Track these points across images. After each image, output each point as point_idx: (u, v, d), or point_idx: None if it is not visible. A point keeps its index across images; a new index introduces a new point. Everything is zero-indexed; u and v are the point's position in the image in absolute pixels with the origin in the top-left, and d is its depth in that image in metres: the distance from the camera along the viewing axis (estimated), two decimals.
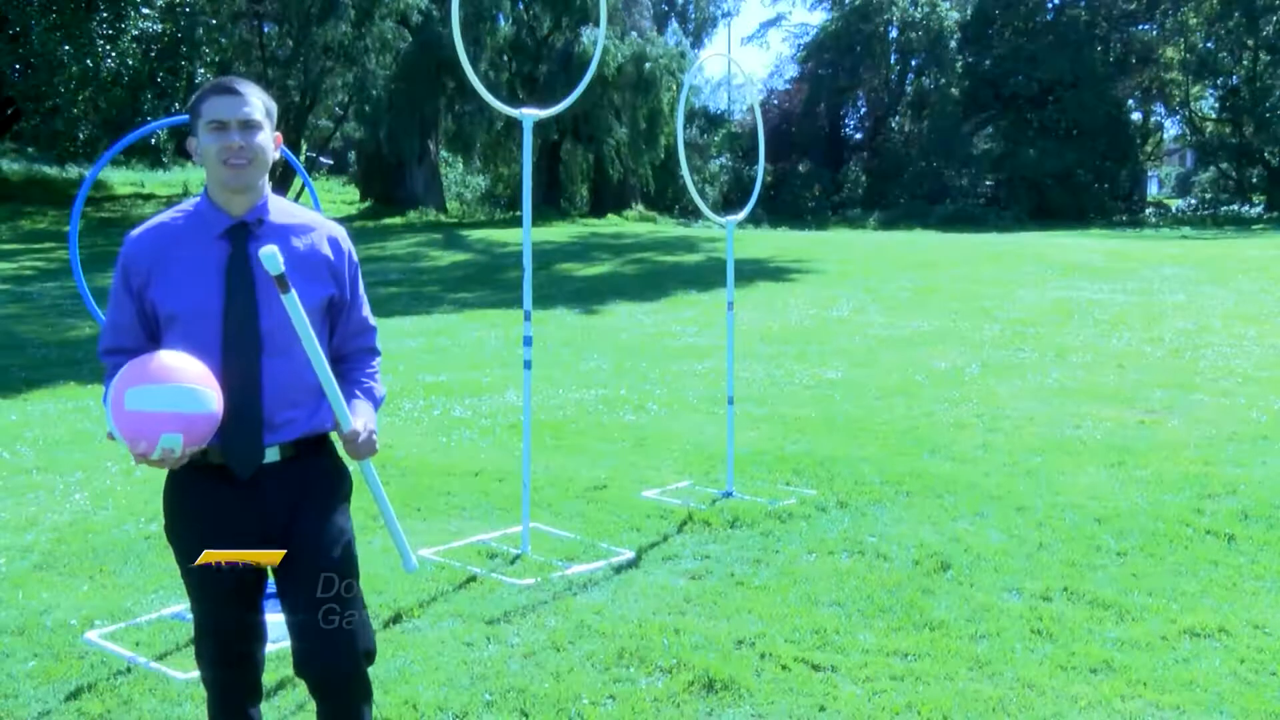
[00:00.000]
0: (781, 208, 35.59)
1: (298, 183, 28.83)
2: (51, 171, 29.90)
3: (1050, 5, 39.95)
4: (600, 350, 10.59)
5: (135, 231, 2.50)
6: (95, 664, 3.70)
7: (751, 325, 12.13)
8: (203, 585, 2.54)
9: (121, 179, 30.98)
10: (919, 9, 40.25)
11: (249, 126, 2.41)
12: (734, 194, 36.06)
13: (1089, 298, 14.03)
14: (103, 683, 3.56)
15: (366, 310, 2.64)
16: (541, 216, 27.95)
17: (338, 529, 2.53)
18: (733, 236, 5.87)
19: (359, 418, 2.48)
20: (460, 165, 34.32)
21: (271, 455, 2.44)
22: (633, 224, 30.85)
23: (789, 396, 8.33)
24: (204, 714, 3.37)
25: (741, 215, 5.91)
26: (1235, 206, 37.47)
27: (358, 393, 2.57)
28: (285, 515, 2.47)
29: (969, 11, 40.55)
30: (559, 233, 25.56)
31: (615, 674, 3.60)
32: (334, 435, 2.57)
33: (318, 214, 2.60)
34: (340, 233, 2.58)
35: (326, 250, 2.52)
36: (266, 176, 2.48)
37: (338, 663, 2.49)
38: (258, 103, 2.44)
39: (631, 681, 3.55)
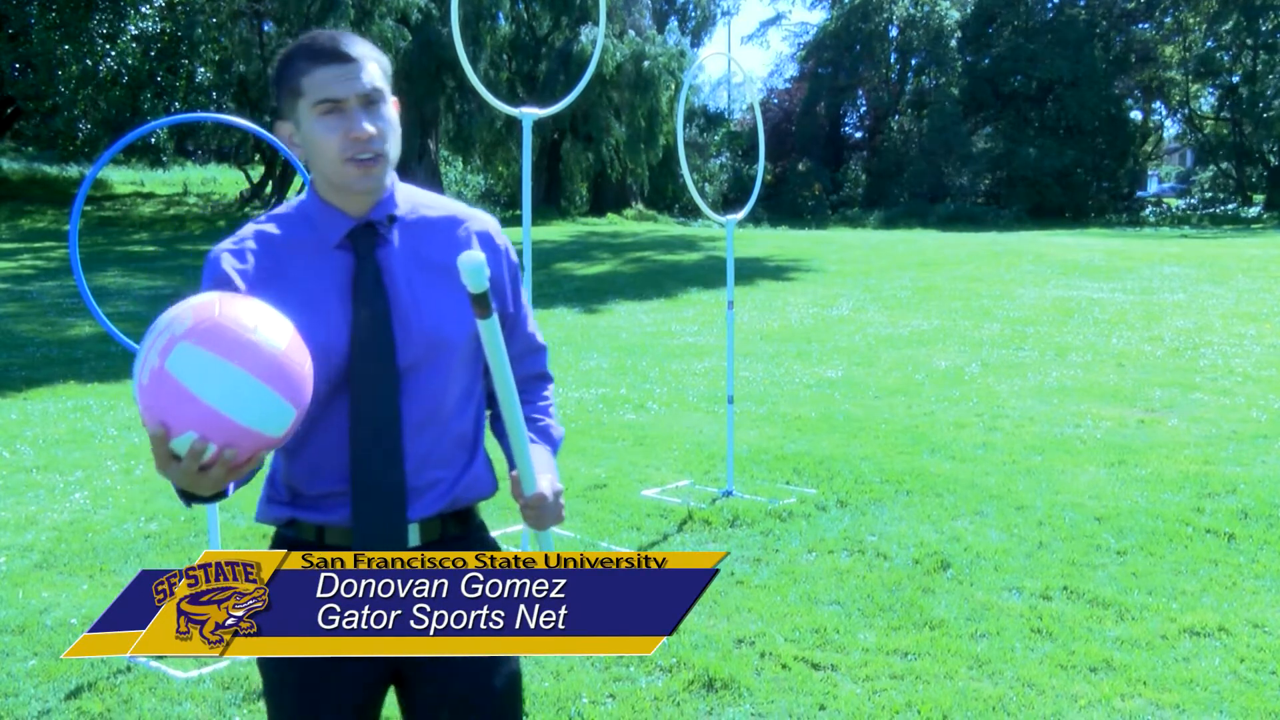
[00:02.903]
0: (781, 207, 35.61)
1: (298, 181, 28.86)
2: (51, 170, 29.92)
3: (1050, 4, 39.97)
4: (600, 349, 10.60)
5: (222, 246, 1.83)
6: (95, 663, 3.70)
7: (751, 324, 12.13)
8: (300, 711, 1.85)
9: (121, 178, 31.01)
10: (919, 8, 40.26)
11: (374, 102, 1.75)
12: (734, 193, 36.09)
13: (1089, 297, 14.03)
14: (103, 682, 3.56)
15: (533, 325, 2.00)
16: (541, 215, 27.97)
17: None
18: (733, 235, 5.87)
19: (543, 475, 1.82)
20: (460, 164, 34.33)
21: (411, 538, 1.81)
22: (632, 223, 30.86)
23: (789, 396, 8.33)
24: (204, 713, 3.38)
25: (741, 214, 5.91)
26: (1235, 205, 37.50)
27: (532, 436, 1.91)
28: None
29: (969, 10, 40.56)
30: (559, 232, 25.57)
31: (615, 673, 3.60)
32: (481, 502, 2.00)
33: (456, 201, 1.93)
34: (493, 226, 1.92)
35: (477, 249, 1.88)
36: None
37: None
38: (374, 66, 1.77)
39: (631, 681, 3.56)
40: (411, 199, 1.87)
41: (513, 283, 1.93)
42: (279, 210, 1.86)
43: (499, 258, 1.89)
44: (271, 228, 1.83)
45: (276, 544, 1.88)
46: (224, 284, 1.76)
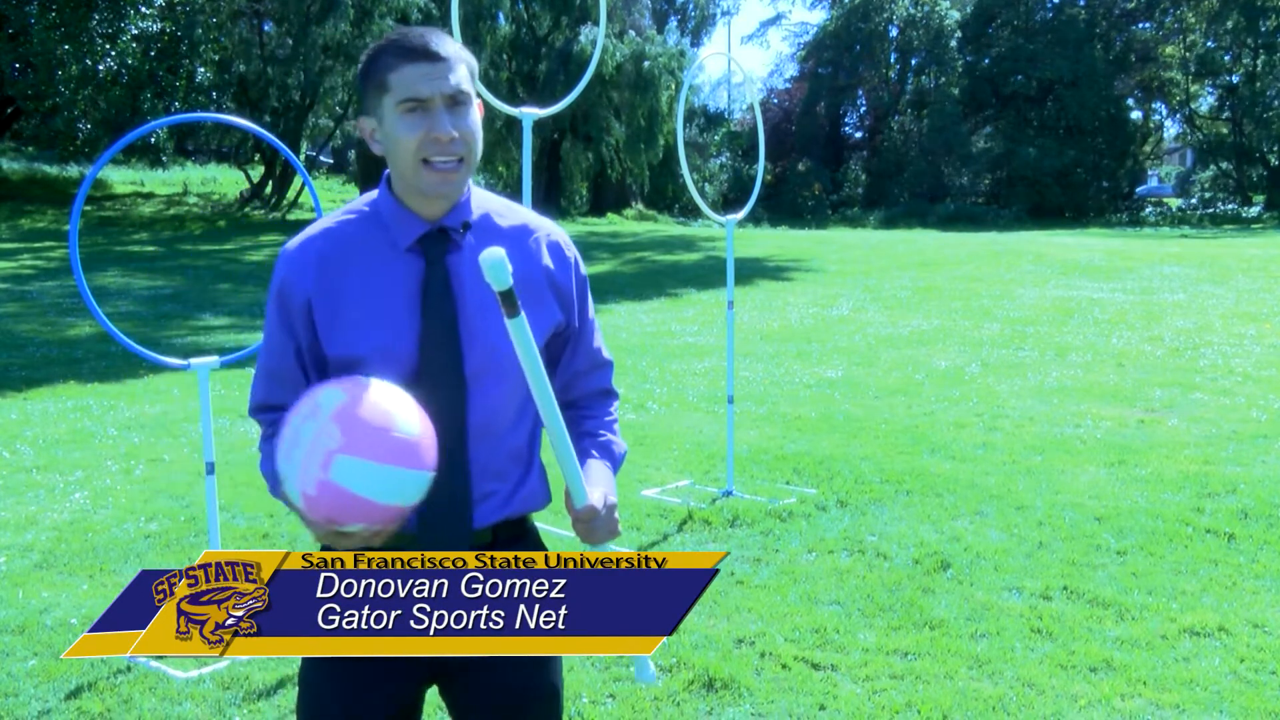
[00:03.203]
0: (781, 207, 35.64)
1: (297, 181, 28.85)
2: (51, 170, 29.92)
3: (1050, 4, 39.99)
4: None
5: (293, 243, 1.82)
6: (95, 663, 3.70)
7: (751, 324, 12.13)
8: (335, 713, 1.83)
9: (121, 178, 30.99)
10: (919, 8, 40.28)
11: (459, 103, 1.72)
12: (733, 193, 36.11)
13: (1089, 296, 14.04)
14: (103, 681, 3.56)
15: (599, 339, 1.96)
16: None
17: (544, 655, 1.78)
18: (733, 235, 5.87)
19: (595, 487, 1.79)
20: None
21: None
22: (632, 223, 30.87)
23: (789, 395, 8.33)
24: (203, 713, 3.38)
25: (741, 214, 5.91)
26: (1235, 205, 37.51)
27: (593, 451, 1.89)
28: None
29: (969, 10, 40.58)
30: None
31: (615, 673, 3.60)
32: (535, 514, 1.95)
33: (528, 210, 1.92)
34: (563, 237, 1.89)
35: (548, 261, 1.84)
36: None
37: None
38: (463, 68, 1.74)
39: (631, 680, 3.55)
40: (485, 205, 1.85)
41: (580, 296, 1.89)
42: (353, 205, 1.84)
43: (568, 269, 1.86)
44: (343, 225, 1.81)
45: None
46: (290, 291, 1.77)
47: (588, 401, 1.95)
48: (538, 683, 1.86)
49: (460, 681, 1.83)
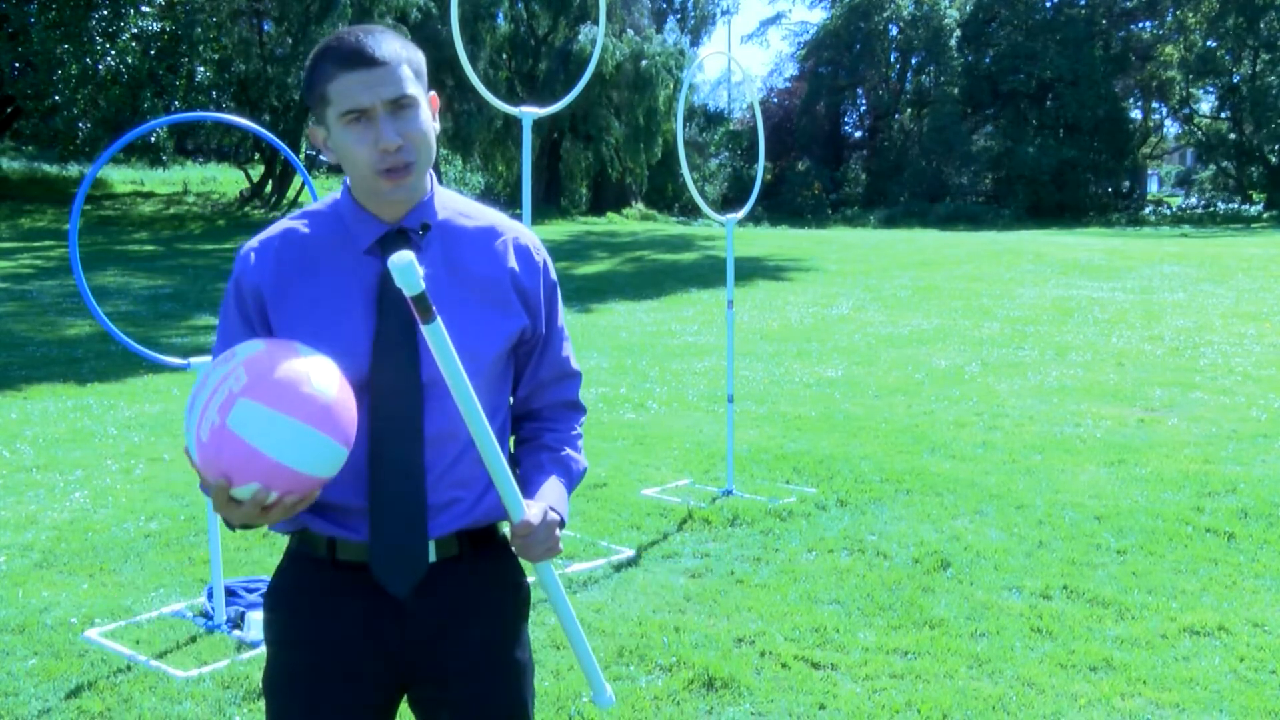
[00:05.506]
0: (781, 206, 35.63)
1: (297, 181, 28.84)
2: (51, 170, 29.92)
3: (1050, 3, 39.97)
4: (600, 349, 10.59)
5: (251, 242, 1.79)
6: (95, 662, 3.70)
7: (751, 324, 12.13)
8: (304, 713, 1.78)
9: (121, 177, 30.99)
10: (919, 7, 40.27)
11: (403, 107, 1.66)
12: (733, 192, 36.12)
13: (1089, 296, 14.04)
14: (103, 681, 3.56)
15: (568, 349, 1.90)
16: (541, 215, 27.97)
17: (511, 665, 1.83)
18: (732, 235, 5.87)
19: (538, 502, 1.74)
20: (459, 163, 34.34)
21: (428, 555, 1.76)
22: (632, 222, 30.87)
23: (789, 395, 8.33)
24: (203, 712, 3.38)
25: (741, 213, 5.91)
26: (1235, 204, 37.49)
27: (549, 466, 1.84)
28: (437, 642, 1.76)
29: (968, 9, 40.57)
30: (558, 231, 25.57)
31: (615, 672, 3.60)
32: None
33: (498, 212, 1.86)
34: (532, 240, 1.84)
35: (513, 263, 1.79)
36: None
37: None
38: (404, 69, 1.67)
39: (631, 680, 3.55)
40: (450, 206, 1.80)
41: (549, 302, 1.83)
42: (314, 207, 1.80)
43: (536, 274, 1.81)
44: (303, 226, 1.77)
45: (286, 561, 1.83)
46: (248, 290, 1.74)
47: (551, 414, 1.89)
48: (508, 695, 1.83)
49: (430, 693, 1.81)
